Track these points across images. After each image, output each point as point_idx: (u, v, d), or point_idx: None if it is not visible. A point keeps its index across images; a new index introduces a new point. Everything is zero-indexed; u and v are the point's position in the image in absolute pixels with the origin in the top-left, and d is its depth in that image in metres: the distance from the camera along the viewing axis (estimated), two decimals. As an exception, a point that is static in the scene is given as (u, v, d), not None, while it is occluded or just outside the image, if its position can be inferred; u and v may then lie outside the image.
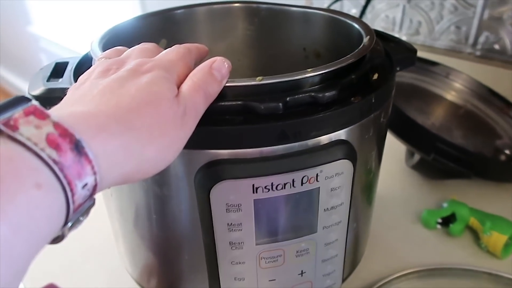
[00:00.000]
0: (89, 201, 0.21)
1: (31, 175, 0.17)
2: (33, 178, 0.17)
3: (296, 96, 0.28)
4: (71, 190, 0.19)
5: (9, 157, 0.17)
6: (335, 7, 0.85)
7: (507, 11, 0.66)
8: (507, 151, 0.58)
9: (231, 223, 0.29)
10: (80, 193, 0.19)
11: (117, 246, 0.42)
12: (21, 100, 0.19)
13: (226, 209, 0.28)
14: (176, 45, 0.29)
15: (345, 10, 0.85)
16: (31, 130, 0.18)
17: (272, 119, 0.27)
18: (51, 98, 0.32)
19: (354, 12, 0.83)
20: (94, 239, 0.50)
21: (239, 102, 0.27)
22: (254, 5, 0.46)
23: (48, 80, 0.34)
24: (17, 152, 0.17)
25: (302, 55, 0.47)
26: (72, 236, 0.52)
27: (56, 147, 0.18)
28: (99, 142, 0.20)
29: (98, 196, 0.39)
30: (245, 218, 0.29)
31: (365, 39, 0.34)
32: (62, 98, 0.32)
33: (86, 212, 0.21)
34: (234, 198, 0.28)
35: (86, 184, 0.19)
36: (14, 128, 0.18)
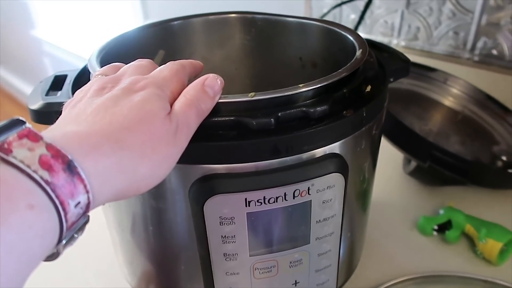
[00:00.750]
0: (83, 218, 0.22)
1: (24, 196, 0.18)
2: (26, 199, 0.18)
3: (288, 111, 0.28)
4: (64, 209, 0.19)
5: (3, 180, 0.18)
6: (335, 12, 0.86)
7: (505, 17, 0.66)
8: (504, 157, 0.58)
9: (225, 236, 0.29)
10: (73, 212, 0.20)
11: (116, 254, 0.43)
12: (16, 123, 0.20)
13: (220, 222, 0.29)
14: (170, 62, 0.30)
15: (344, 16, 0.85)
16: (24, 152, 0.19)
17: (264, 134, 0.27)
18: (49, 112, 0.33)
19: (353, 17, 0.84)
20: (93, 246, 0.50)
21: (232, 118, 0.28)
22: (250, 15, 0.47)
23: (47, 94, 0.35)
24: (11, 174, 0.18)
25: (298, 64, 0.47)
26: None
27: (48, 168, 0.19)
28: (91, 161, 0.21)
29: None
30: (239, 230, 0.29)
31: (358, 52, 0.35)
32: (60, 112, 0.33)
33: (80, 229, 0.22)
34: (227, 211, 0.28)
35: (79, 203, 0.20)
36: (8, 151, 0.18)
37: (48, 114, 0.33)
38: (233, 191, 0.28)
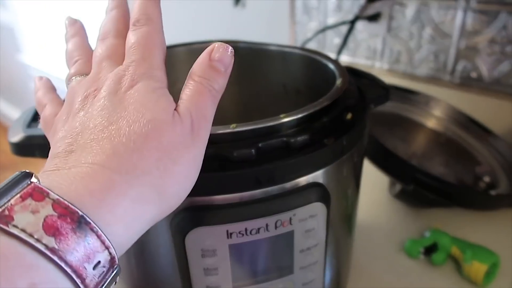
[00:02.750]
0: (111, 271, 0.18)
1: (25, 274, 0.15)
2: (28, 277, 0.15)
3: (268, 142, 0.28)
4: (79, 276, 0.17)
5: (3, 256, 0.15)
6: (319, 36, 0.88)
7: (482, 41, 0.68)
8: (486, 178, 0.59)
9: (207, 268, 0.29)
10: (93, 274, 0.17)
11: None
12: (21, 178, 0.17)
13: (202, 254, 0.29)
14: (111, 19, 0.26)
15: (328, 40, 0.87)
16: (27, 217, 0.16)
17: (245, 165, 0.28)
18: (30, 145, 0.33)
19: (337, 42, 0.86)
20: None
21: (213, 149, 0.28)
22: (233, 44, 0.47)
23: (28, 126, 0.35)
24: (12, 247, 0.16)
25: (282, 91, 0.48)
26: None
27: (54, 232, 0.16)
28: (107, 208, 0.18)
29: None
30: (221, 262, 0.29)
31: (338, 81, 0.35)
32: (42, 144, 0.32)
33: (111, 282, 0.19)
34: (209, 243, 0.28)
35: (99, 263, 0.17)
36: (9, 218, 0.16)
37: (28, 147, 0.32)
38: (215, 223, 0.27)
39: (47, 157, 0.34)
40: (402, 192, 0.57)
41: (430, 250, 0.50)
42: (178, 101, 0.23)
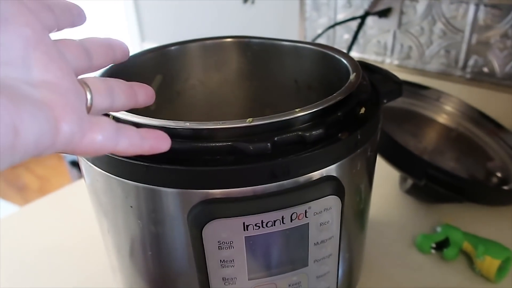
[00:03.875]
0: None
1: None
2: None
3: (284, 136, 0.29)
4: None
5: None
6: (329, 32, 0.87)
7: (494, 36, 0.68)
8: (498, 174, 0.58)
9: (224, 260, 0.30)
10: None
11: (115, 279, 0.43)
12: None
13: (219, 246, 0.29)
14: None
15: (337, 36, 0.87)
16: None
17: (261, 159, 0.28)
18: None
19: (347, 37, 0.86)
20: (92, 270, 0.50)
21: (230, 143, 0.28)
22: (246, 39, 0.48)
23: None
24: None
25: (294, 87, 0.48)
26: (71, 268, 0.53)
27: None
28: None
29: (96, 231, 0.40)
30: (237, 254, 0.29)
31: (352, 76, 0.35)
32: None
33: None
34: (225, 235, 0.29)
35: None
36: None
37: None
38: (231, 215, 0.28)
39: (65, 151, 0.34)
40: (414, 187, 0.57)
41: (441, 245, 0.50)
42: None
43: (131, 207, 0.31)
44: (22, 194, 2.19)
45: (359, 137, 0.31)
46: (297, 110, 0.30)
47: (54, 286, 0.49)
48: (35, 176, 2.28)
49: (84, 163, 0.33)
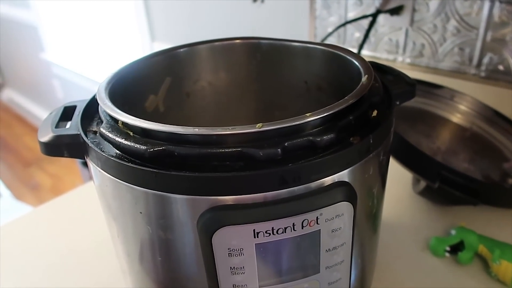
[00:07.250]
0: None
1: None
2: None
3: (294, 141, 0.28)
4: None
5: None
6: (339, 31, 0.86)
7: (510, 33, 0.66)
8: (515, 175, 0.57)
9: (234, 267, 0.29)
10: None
11: (125, 282, 0.43)
12: None
13: (229, 254, 0.29)
14: None
15: (348, 34, 0.86)
16: None
17: (271, 165, 0.27)
18: (59, 144, 0.33)
19: (358, 36, 0.84)
20: (102, 274, 0.50)
21: (239, 149, 0.28)
22: (255, 41, 0.47)
23: (57, 126, 0.35)
24: None
25: (304, 88, 0.48)
26: (82, 272, 0.53)
27: None
28: None
29: (107, 234, 0.40)
30: (248, 261, 0.29)
31: (364, 78, 0.35)
32: (70, 144, 0.33)
33: None
34: (235, 242, 0.28)
35: None
36: None
37: (57, 147, 0.33)
38: (241, 222, 0.27)
39: (75, 156, 0.34)
40: (427, 188, 0.56)
41: (456, 248, 0.49)
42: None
43: (141, 213, 0.31)
44: (35, 192, 2.22)
45: (371, 141, 0.31)
46: (307, 114, 0.29)
47: (66, 286, 0.50)
48: (48, 175, 2.31)
49: (93, 168, 0.33)
